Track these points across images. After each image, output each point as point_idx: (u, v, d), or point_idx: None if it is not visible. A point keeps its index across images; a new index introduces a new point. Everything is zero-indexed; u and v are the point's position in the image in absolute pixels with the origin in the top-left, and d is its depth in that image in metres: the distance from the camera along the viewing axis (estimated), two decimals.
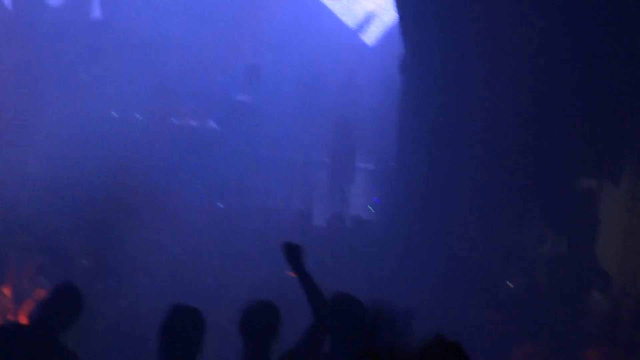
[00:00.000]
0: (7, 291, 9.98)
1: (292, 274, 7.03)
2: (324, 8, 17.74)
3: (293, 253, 5.55)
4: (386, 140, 14.53)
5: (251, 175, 15.38)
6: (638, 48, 11.63)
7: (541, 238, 12.87)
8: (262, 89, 16.00)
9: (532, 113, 12.22)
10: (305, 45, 16.32)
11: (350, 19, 18.02)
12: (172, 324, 5.22)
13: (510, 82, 12.14)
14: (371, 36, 17.87)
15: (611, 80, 11.91)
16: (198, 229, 13.10)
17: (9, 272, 10.71)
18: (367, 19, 18.19)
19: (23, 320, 8.62)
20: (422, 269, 11.38)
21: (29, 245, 11.65)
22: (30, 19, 15.59)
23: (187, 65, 15.69)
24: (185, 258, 12.33)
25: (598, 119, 12.24)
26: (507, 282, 11.82)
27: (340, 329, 5.69)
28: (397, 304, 6.57)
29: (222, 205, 14.18)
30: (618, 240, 12.69)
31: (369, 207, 15.73)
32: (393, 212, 13.62)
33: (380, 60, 15.82)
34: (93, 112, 15.20)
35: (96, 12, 16.72)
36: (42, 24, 15.57)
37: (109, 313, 10.00)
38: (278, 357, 5.57)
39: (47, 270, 11.02)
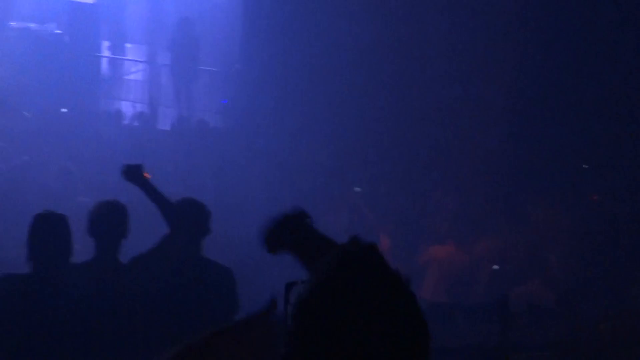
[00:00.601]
0: None
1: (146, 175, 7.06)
2: None
3: (133, 174, 5.70)
4: (230, 41, 14.59)
5: (93, 78, 15.20)
6: None
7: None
8: None
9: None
10: None
11: None
12: (39, 230, 5.26)
13: None
14: None
15: None
16: (42, 133, 12.97)
17: None
18: None
19: None
20: (267, 169, 11.57)
21: None
22: None
23: None
24: (29, 163, 12.19)
25: None
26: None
27: (186, 230, 5.81)
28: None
29: (65, 109, 13.97)
30: None
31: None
32: (237, 114, 13.73)
33: None
34: None
35: None
36: None
37: None
38: (129, 260, 5.68)
39: None
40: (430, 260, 10.60)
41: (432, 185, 12.34)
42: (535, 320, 8.87)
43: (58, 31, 15.53)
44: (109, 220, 5.68)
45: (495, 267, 10.34)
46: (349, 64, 12.38)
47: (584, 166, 11.64)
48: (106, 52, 16.59)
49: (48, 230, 5.32)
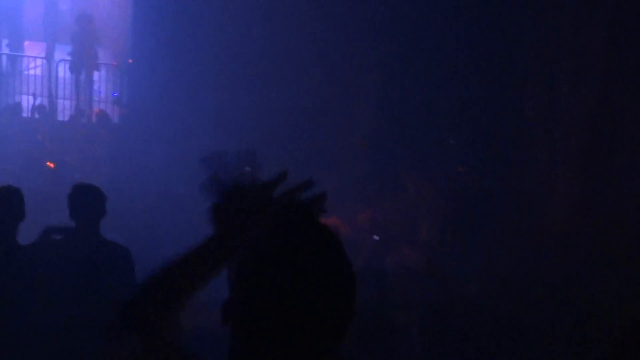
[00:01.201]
0: None
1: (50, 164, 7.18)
2: None
3: None
4: (124, 35, 14.44)
5: None
6: None
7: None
8: None
9: None
10: None
11: None
12: None
13: None
14: None
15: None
16: None
17: None
18: None
19: None
20: (163, 158, 11.56)
21: None
22: None
23: None
24: None
25: None
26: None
27: (82, 215, 5.80)
28: None
29: None
30: None
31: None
32: (132, 106, 13.60)
33: None
34: None
35: None
36: None
37: None
38: (28, 245, 5.63)
39: None
40: None
41: (315, 162, 11.93)
42: (409, 282, 8.83)
43: None
44: (4, 203, 5.65)
45: (376, 237, 10.35)
46: (237, 59, 12.22)
47: (451, 141, 11.28)
48: (5, 50, 16.26)
49: None
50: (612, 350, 6.71)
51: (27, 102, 15.34)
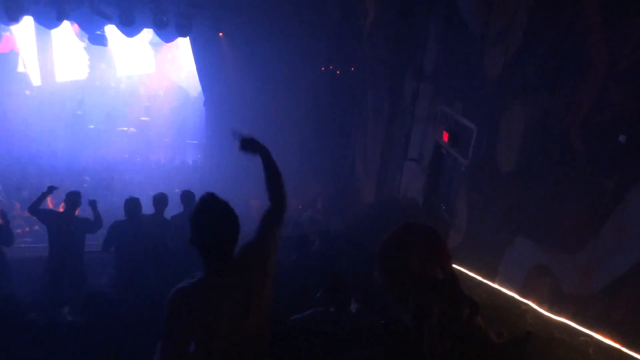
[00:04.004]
0: None
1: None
2: None
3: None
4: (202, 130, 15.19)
5: None
6: None
7: None
8: None
9: None
10: None
11: None
12: None
13: None
14: None
15: None
16: None
17: None
18: None
19: None
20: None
21: None
22: None
23: None
24: None
25: None
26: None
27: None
28: None
29: None
30: None
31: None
32: (206, 165, 15.76)
33: None
34: None
35: None
36: None
37: None
38: None
39: None
40: (254, 205, 11.24)
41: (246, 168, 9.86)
42: (313, 223, 10.12)
43: None
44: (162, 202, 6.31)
45: (300, 206, 12.65)
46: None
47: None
48: None
49: None
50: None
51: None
